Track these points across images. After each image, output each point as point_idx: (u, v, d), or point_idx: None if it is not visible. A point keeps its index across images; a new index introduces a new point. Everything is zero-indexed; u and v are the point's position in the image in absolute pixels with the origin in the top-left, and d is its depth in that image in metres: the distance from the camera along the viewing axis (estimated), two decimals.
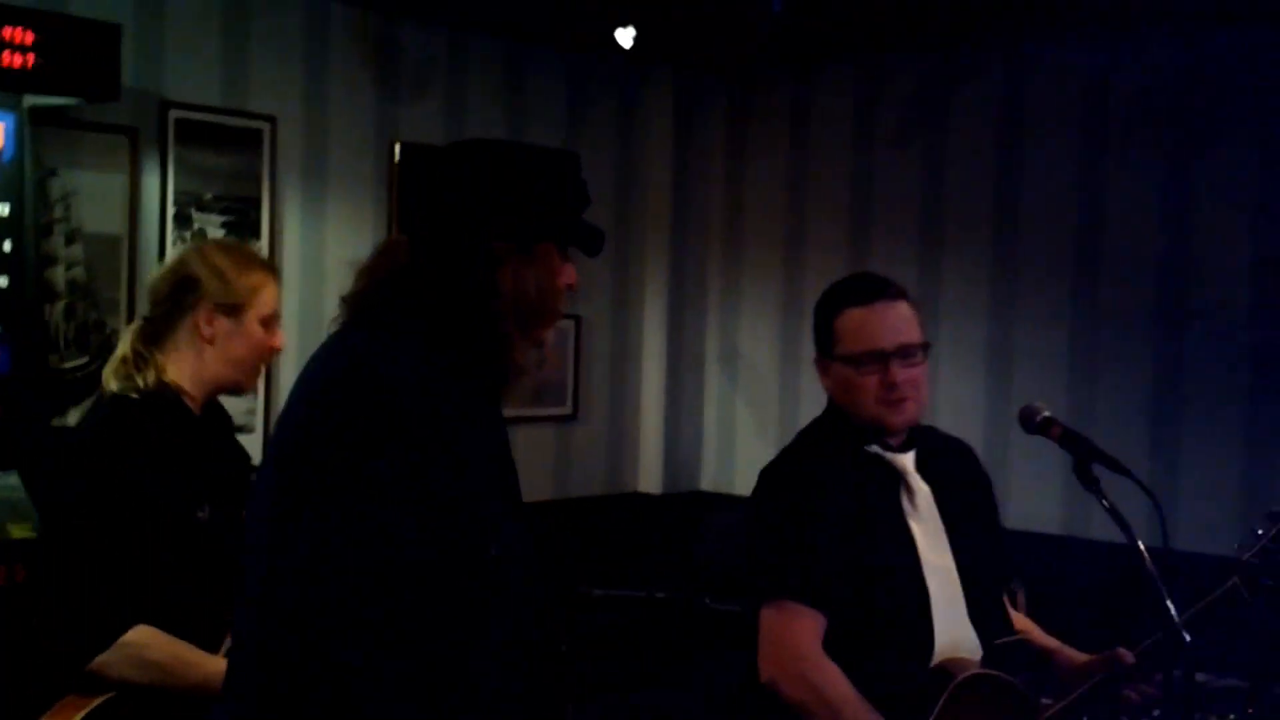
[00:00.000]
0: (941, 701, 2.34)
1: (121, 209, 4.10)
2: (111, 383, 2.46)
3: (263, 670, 1.75)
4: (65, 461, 2.54)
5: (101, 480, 2.40)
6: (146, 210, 4.15)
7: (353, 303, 1.88)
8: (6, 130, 3.63)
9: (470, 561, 1.74)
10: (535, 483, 5.10)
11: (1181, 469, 4.44)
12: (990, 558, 2.59)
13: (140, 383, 2.44)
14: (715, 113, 5.74)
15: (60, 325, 3.93)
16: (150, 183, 4.17)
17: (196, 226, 4.26)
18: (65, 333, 3.92)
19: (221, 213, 4.32)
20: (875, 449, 2.53)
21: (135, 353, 2.47)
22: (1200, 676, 3.90)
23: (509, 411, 1.95)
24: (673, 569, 5.02)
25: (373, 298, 1.87)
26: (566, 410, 5.44)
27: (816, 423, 2.65)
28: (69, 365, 3.95)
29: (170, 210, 4.19)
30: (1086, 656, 2.55)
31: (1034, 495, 4.74)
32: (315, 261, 4.62)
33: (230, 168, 4.35)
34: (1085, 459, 2.45)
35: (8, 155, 3.64)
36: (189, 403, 2.51)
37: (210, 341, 2.50)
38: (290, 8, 4.52)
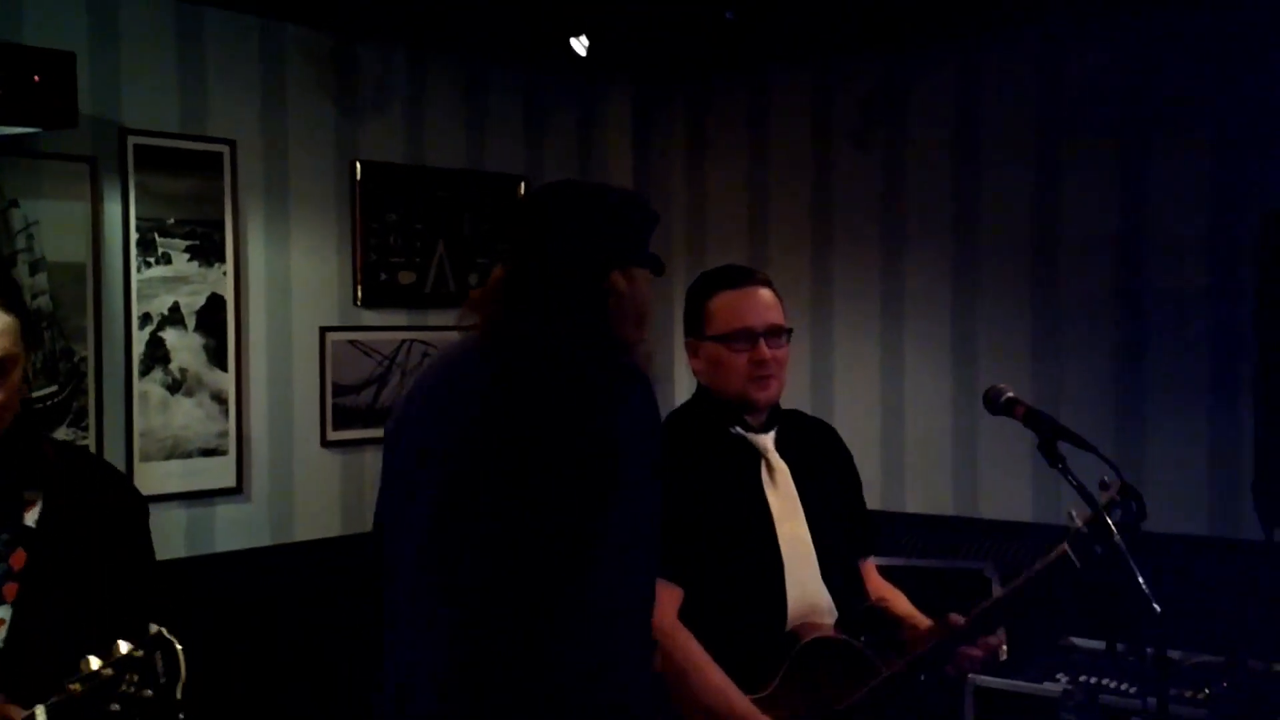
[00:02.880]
0: (787, 663, 2.56)
1: (85, 237, 4.10)
2: None
3: (468, 652, 1.99)
4: None
5: None
6: (110, 237, 4.16)
7: (486, 323, 2.20)
8: None
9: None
10: None
11: (1147, 451, 4.49)
12: (847, 528, 2.80)
13: None
14: (674, 120, 5.79)
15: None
16: (112, 210, 4.17)
17: (161, 251, 4.26)
18: (34, 362, 3.91)
19: (185, 237, 4.33)
20: (738, 430, 2.73)
21: None
22: (1174, 653, 3.96)
23: None
24: None
25: (511, 316, 2.16)
26: None
27: (684, 406, 2.85)
28: (39, 394, 3.94)
29: (134, 236, 4.19)
30: (930, 622, 2.71)
31: (1004, 483, 4.79)
32: (281, 281, 4.62)
33: (192, 192, 4.36)
34: (1050, 437, 2.54)
35: None
36: None
37: None
38: (246, 30, 4.53)
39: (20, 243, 3.94)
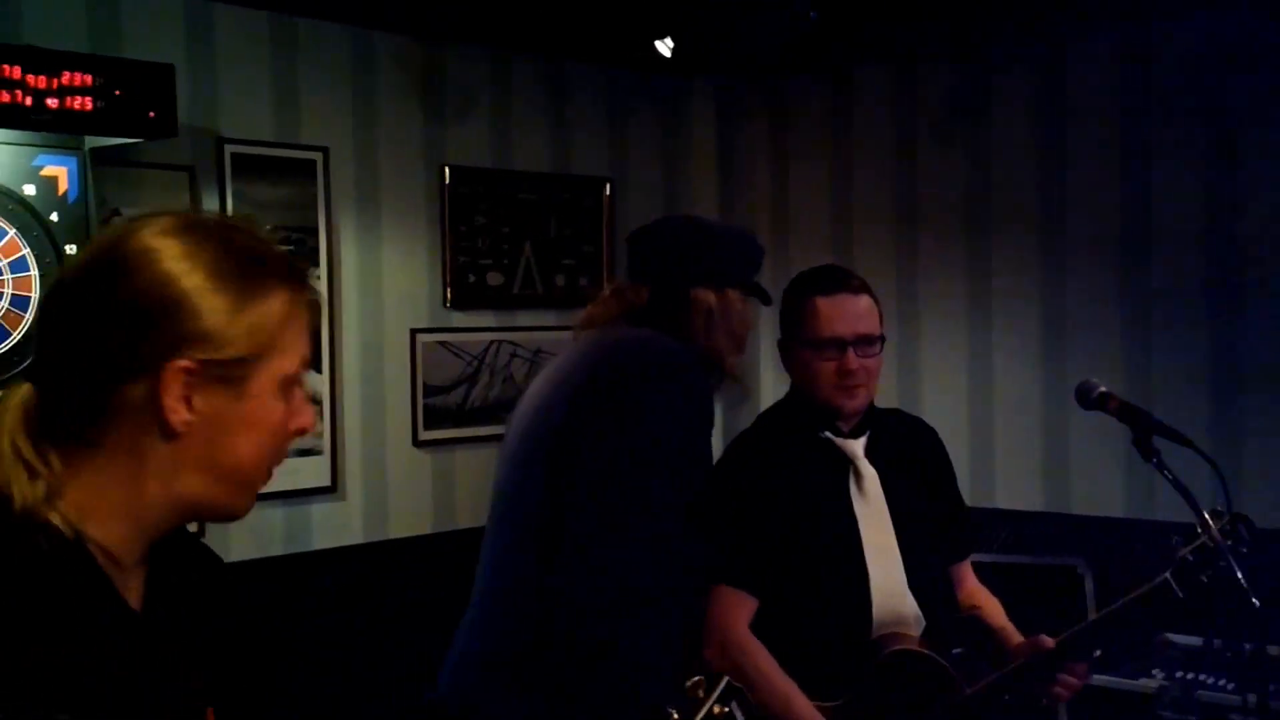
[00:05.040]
0: (866, 674, 2.53)
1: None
2: None
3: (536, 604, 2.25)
4: None
5: None
6: None
7: (596, 323, 2.51)
8: (70, 173, 3.74)
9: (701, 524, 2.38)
10: None
11: (1244, 445, 4.42)
12: (939, 534, 2.76)
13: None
14: (757, 121, 5.79)
15: None
16: None
17: None
18: None
19: (280, 242, 4.40)
20: (828, 435, 2.69)
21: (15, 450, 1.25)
22: (1273, 649, 3.89)
23: None
24: None
25: (616, 318, 2.49)
26: None
27: (776, 406, 2.83)
28: None
29: None
30: (1019, 637, 2.66)
31: (1096, 478, 4.74)
32: (373, 285, 4.71)
33: (286, 199, 4.46)
34: (1144, 431, 2.50)
35: (73, 197, 3.75)
36: (113, 570, 1.27)
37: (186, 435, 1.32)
38: (337, 40, 4.63)
39: None
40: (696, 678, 2.61)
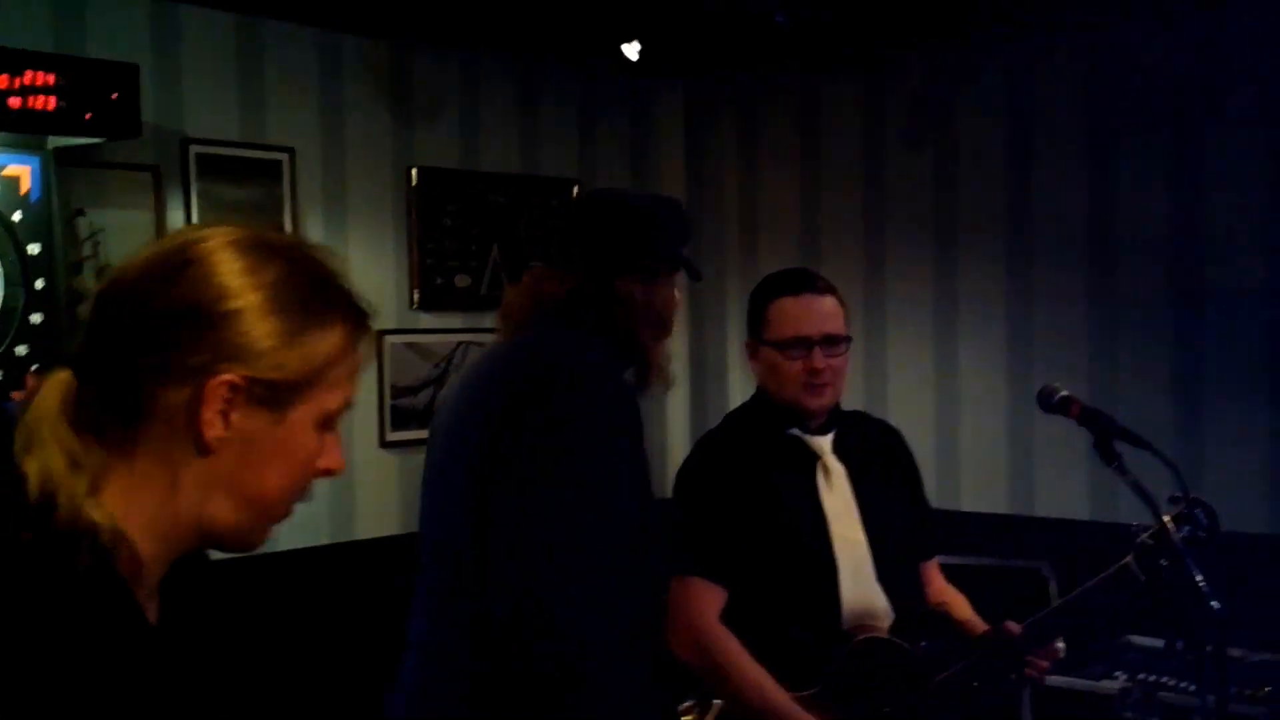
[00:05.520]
0: (836, 663, 2.56)
1: (148, 244, 4.17)
2: None
3: (474, 633, 2.09)
4: None
5: None
6: None
7: (514, 316, 2.35)
8: (34, 173, 3.71)
9: (645, 532, 2.21)
10: None
11: (1206, 450, 4.46)
12: (906, 531, 2.78)
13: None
14: (725, 122, 5.81)
15: None
16: (175, 217, 4.26)
17: None
18: None
19: None
20: (795, 432, 2.71)
21: (57, 436, 1.21)
22: (1234, 651, 3.93)
23: None
24: None
25: (534, 312, 2.32)
26: None
27: (743, 406, 2.85)
28: None
29: None
30: (986, 628, 2.70)
31: (1060, 481, 4.77)
32: None
33: (252, 199, 4.44)
34: (1106, 435, 2.53)
35: (35, 196, 3.72)
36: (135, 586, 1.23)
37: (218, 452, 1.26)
38: (303, 40, 4.61)
39: (86, 250, 4.03)
40: (689, 702, 2.63)
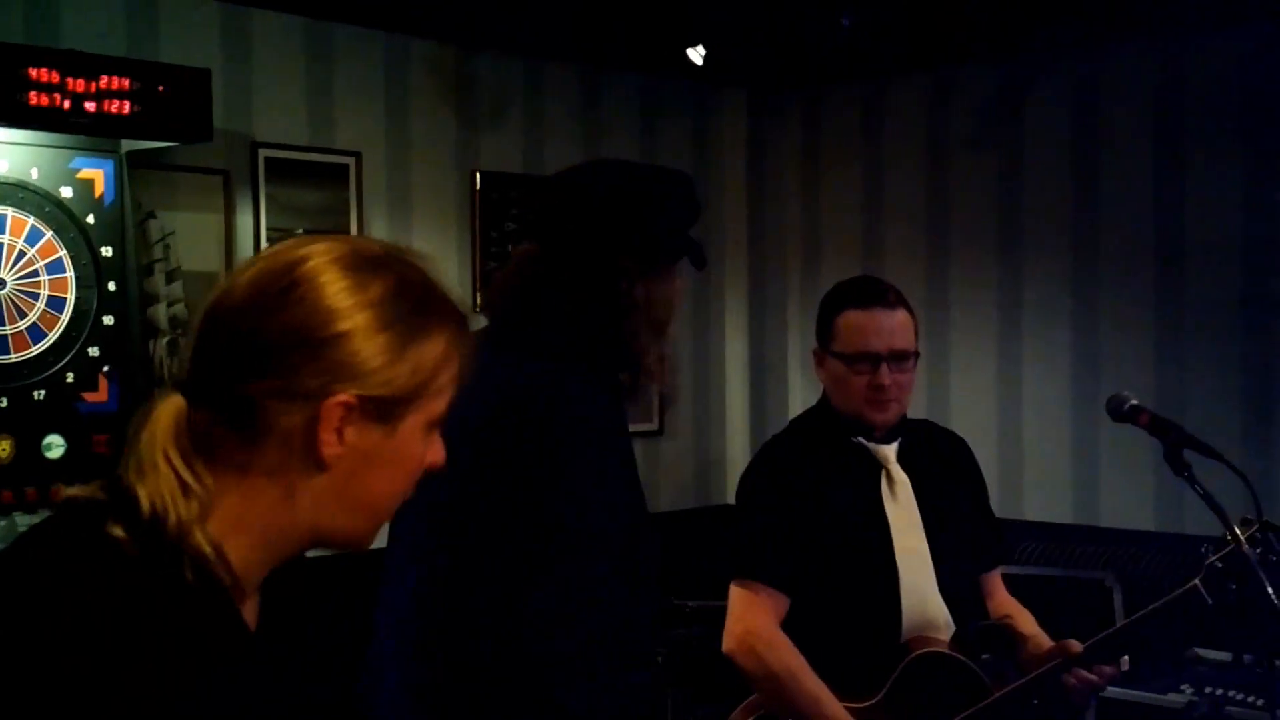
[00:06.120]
0: (895, 675, 2.53)
1: (217, 247, 4.24)
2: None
3: (445, 664, 2.03)
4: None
5: None
6: (242, 247, 4.30)
7: (497, 312, 2.15)
8: (107, 176, 3.77)
9: (639, 564, 2.07)
10: None
11: (1275, 461, 4.39)
12: (969, 542, 2.73)
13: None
14: (789, 128, 5.80)
15: (164, 360, 4.07)
16: (244, 220, 4.31)
17: None
18: (169, 367, 4.05)
19: None
20: (860, 439, 2.68)
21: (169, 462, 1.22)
22: None
23: None
24: None
25: (519, 311, 2.11)
26: (653, 427, 5.50)
27: (809, 412, 2.83)
28: None
29: (265, 245, 4.33)
30: (1050, 644, 2.63)
31: (1125, 491, 4.72)
32: None
33: (319, 203, 4.49)
34: (1175, 445, 2.49)
35: (109, 200, 3.78)
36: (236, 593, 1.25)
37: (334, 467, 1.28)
38: (371, 46, 4.65)
39: (157, 253, 4.09)
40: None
